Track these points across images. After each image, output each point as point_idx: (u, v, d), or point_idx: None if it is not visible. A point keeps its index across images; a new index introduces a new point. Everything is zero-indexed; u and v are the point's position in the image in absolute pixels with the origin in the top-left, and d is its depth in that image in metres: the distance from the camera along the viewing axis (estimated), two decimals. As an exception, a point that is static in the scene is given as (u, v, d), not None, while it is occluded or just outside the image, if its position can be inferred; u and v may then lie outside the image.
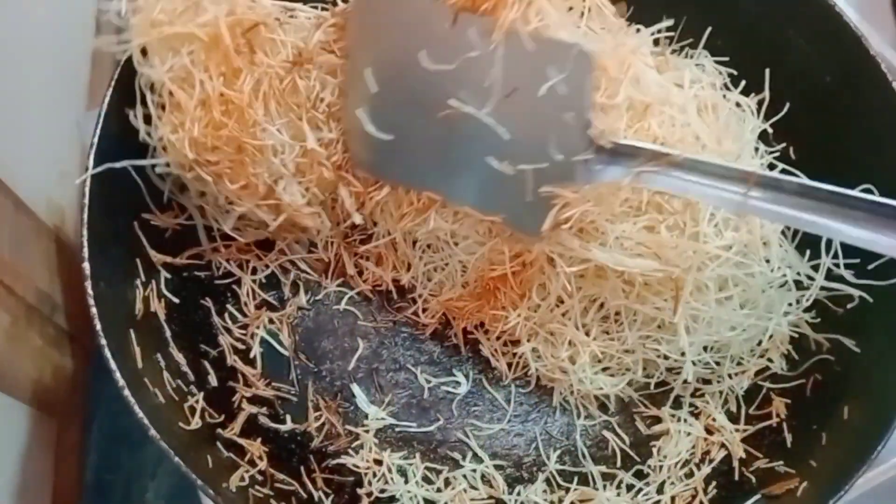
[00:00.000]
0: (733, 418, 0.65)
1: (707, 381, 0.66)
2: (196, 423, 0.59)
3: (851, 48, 0.64)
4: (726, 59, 0.70)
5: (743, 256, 0.61)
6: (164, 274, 0.63)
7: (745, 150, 0.67)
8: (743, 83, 0.69)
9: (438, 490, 0.63)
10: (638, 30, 0.68)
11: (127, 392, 0.53)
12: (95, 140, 0.58)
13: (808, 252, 0.64)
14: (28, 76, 0.72)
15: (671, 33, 0.70)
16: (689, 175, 0.55)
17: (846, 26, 0.65)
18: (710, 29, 0.69)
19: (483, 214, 0.63)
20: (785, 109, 0.68)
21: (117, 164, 0.58)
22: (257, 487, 0.58)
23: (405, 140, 0.62)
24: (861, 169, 0.64)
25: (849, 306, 0.63)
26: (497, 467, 0.64)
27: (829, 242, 0.63)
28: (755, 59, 0.68)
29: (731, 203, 0.55)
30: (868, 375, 0.61)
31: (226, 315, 0.67)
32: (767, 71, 0.67)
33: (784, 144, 0.69)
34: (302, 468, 0.62)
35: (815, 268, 0.64)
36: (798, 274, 0.64)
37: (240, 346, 0.66)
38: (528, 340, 0.66)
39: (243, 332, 0.67)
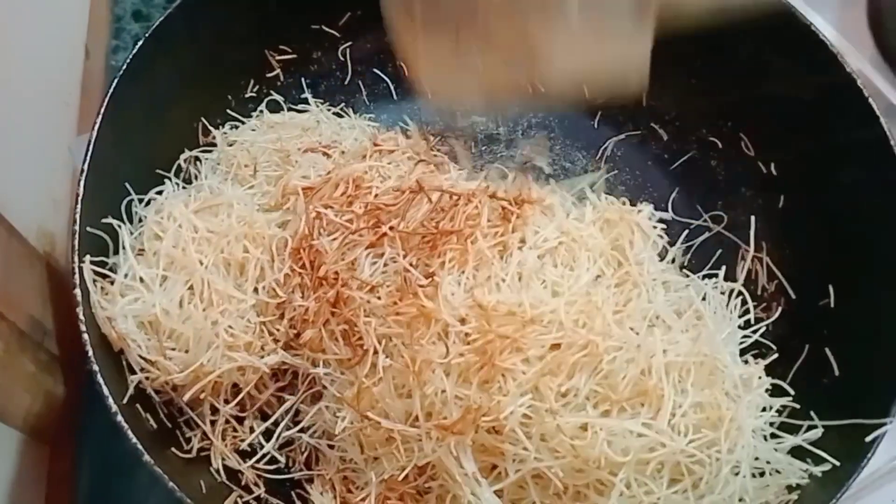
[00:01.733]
0: None
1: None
2: (190, 448, 0.59)
3: (828, 66, 0.66)
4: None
5: (704, 448, 0.56)
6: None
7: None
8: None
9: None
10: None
11: (120, 418, 0.53)
12: (86, 167, 0.59)
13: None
14: (19, 103, 0.72)
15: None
16: None
17: (822, 44, 0.66)
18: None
19: None
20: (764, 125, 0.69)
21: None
22: (252, 514, 0.58)
23: None
24: (839, 184, 0.66)
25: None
26: None
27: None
28: (734, 79, 0.70)
29: None
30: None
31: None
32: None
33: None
34: (293, 494, 0.62)
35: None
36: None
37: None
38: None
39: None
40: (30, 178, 0.74)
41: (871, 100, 0.63)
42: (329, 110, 0.77)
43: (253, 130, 0.74)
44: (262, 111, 0.75)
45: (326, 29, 0.77)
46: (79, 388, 0.72)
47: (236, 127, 0.74)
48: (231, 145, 0.72)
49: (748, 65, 0.70)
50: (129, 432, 0.53)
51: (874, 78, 0.76)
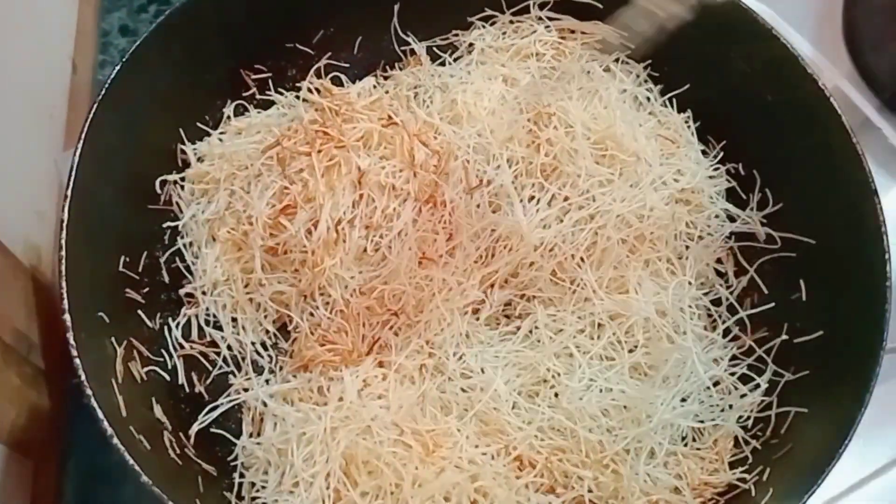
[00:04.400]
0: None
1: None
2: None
3: (788, 66, 0.67)
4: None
5: None
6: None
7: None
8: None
9: None
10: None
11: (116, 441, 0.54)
12: (69, 192, 0.60)
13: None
14: (5, 117, 0.72)
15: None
16: None
17: (783, 47, 0.68)
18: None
19: None
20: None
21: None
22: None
23: None
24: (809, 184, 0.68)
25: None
26: None
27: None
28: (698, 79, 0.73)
29: None
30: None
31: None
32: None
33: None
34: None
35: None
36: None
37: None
38: None
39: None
40: (16, 192, 0.74)
41: (832, 100, 0.65)
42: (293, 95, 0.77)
43: (220, 140, 0.74)
44: (228, 116, 0.75)
45: (300, 47, 0.77)
46: (64, 401, 0.72)
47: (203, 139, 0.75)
48: (201, 160, 0.73)
49: (710, 65, 0.72)
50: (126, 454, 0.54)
51: (850, 93, 0.78)
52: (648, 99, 0.75)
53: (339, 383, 0.63)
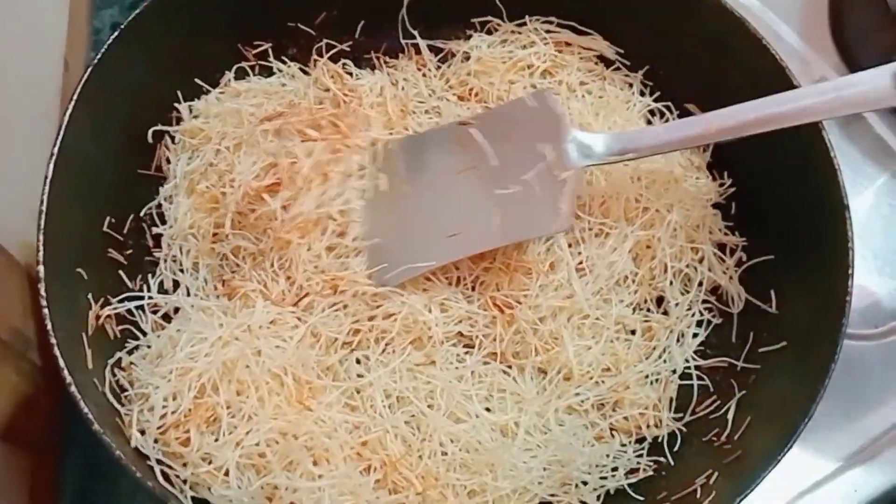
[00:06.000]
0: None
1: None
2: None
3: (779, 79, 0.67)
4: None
5: None
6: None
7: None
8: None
9: None
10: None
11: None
12: (55, 150, 0.62)
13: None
14: (-1, 115, 0.73)
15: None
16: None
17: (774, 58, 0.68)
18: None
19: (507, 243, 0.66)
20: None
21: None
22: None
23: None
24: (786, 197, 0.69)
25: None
26: None
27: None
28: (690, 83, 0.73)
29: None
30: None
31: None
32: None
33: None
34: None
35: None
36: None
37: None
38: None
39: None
40: (10, 190, 0.74)
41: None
42: (297, 67, 0.78)
43: (218, 99, 0.75)
44: (229, 79, 0.76)
45: (302, 27, 0.78)
46: (60, 396, 0.72)
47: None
48: (196, 117, 0.74)
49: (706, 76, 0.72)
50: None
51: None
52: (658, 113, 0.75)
53: (251, 312, 0.64)
